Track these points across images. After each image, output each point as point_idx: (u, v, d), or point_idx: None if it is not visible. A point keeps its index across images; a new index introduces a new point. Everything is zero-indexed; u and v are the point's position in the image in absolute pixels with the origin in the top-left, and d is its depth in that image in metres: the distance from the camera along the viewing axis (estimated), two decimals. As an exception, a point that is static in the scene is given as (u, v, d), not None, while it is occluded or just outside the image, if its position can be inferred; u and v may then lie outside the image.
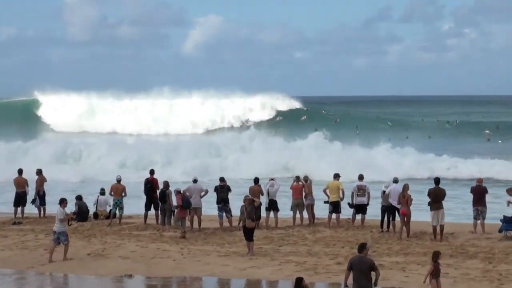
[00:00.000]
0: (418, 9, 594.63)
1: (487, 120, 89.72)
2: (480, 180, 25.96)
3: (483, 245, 23.19)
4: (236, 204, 25.42)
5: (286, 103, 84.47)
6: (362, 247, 15.05)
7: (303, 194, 27.04)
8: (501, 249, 22.51)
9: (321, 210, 27.55)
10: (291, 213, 27.37)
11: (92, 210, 29.22)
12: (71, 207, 27.19)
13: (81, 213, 28.51)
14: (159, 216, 26.77)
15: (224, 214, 26.70)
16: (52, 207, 29.90)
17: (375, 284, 14.78)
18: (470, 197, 25.73)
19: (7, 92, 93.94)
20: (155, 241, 24.61)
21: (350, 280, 14.94)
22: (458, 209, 30.85)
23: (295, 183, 27.21)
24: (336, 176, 26.93)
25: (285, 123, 76.67)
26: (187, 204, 25.63)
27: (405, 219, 24.53)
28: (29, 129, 68.55)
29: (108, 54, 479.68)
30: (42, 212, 29.62)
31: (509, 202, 24.47)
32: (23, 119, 76.60)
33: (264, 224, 26.73)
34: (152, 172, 28.33)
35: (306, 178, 27.40)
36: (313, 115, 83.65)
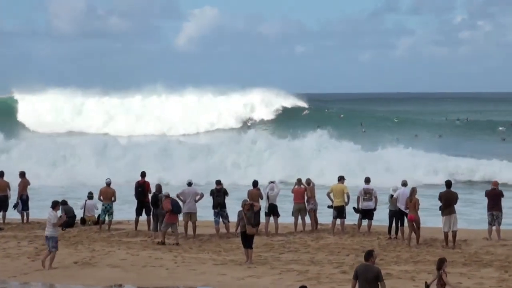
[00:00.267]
0: (428, 0, 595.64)
1: (498, 119, 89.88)
2: (495, 183, 25.97)
3: (499, 253, 23.20)
4: (233, 208, 25.44)
5: (287, 101, 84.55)
6: (369, 255, 15.04)
7: (305, 198, 27.08)
8: (518, 257, 22.53)
9: (325, 215, 27.58)
10: (292, 218, 27.40)
11: (79, 215, 29.24)
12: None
13: (67, 219, 28.49)
14: (151, 221, 26.80)
15: (220, 219, 26.69)
16: (36, 212, 30.01)
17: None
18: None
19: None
20: (147, 248, 24.61)
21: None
22: (476, 214, 30.75)
23: (296, 187, 27.23)
24: (341, 179, 26.95)
25: (285, 121, 76.76)
26: (177, 209, 25.61)
27: (414, 225, 24.57)
28: (6, 130, 66.93)
29: (95, 48, 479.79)
30: (25, 217, 29.62)
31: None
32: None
33: (264, 230, 26.76)
34: (143, 174, 28.28)
35: (308, 181, 27.42)
36: (315, 113, 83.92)
